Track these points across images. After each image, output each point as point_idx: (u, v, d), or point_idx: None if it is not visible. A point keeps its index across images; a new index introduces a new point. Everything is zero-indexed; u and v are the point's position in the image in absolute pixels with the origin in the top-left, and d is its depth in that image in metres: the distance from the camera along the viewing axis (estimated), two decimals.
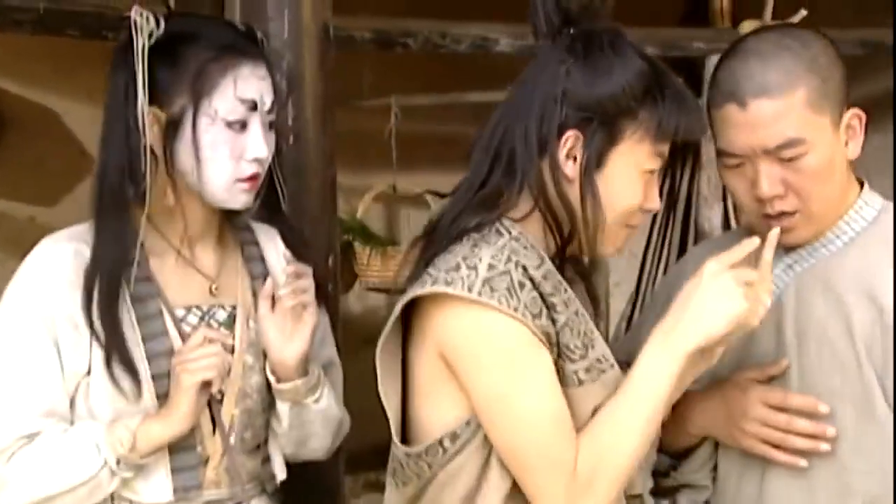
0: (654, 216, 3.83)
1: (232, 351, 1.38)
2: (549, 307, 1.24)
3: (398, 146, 2.93)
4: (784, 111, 1.32)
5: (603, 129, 1.27)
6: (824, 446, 1.35)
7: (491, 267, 1.23)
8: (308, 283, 1.40)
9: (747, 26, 2.16)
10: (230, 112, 1.31)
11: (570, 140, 1.28)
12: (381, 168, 3.03)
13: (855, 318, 1.35)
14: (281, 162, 1.44)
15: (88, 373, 1.32)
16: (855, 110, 1.39)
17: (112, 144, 1.32)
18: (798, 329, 1.39)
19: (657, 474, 1.47)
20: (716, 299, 1.22)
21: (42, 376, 1.31)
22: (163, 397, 1.33)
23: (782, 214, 1.36)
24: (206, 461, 1.38)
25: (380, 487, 2.92)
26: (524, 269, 1.24)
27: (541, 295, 1.24)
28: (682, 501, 1.47)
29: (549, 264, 1.29)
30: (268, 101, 1.35)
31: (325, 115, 1.74)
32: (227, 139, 1.32)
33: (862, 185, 1.44)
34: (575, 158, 1.28)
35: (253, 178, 1.35)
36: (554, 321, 1.24)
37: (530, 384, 1.23)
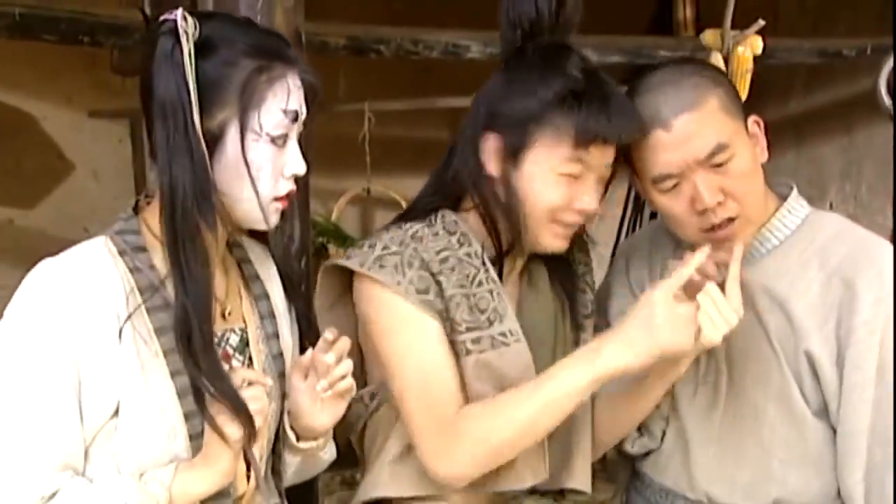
0: (622, 219, 3.91)
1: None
2: (438, 283, 1.38)
3: (372, 150, 2.98)
4: (705, 121, 1.38)
5: (515, 133, 1.38)
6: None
7: (385, 248, 1.40)
8: (348, 366, 1.27)
9: (709, 35, 2.21)
10: (276, 126, 1.20)
11: (490, 141, 1.41)
12: (356, 171, 3.08)
13: (765, 320, 1.43)
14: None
15: (115, 414, 1.17)
16: (753, 116, 1.45)
17: (177, 167, 1.16)
18: None
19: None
20: (646, 333, 1.29)
21: (60, 426, 1.15)
22: (195, 437, 1.19)
23: (726, 222, 1.40)
24: (240, 499, 1.27)
25: (354, 485, 2.96)
26: (415, 250, 1.39)
27: (431, 274, 1.38)
28: (637, 444, 1.54)
29: (464, 249, 1.42)
30: (304, 111, 1.25)
31: None
32: (272, 156, 1.21)
33: (784, 195, 1.48)
34: (498, 159, 1.40)
35: (288, 195, 1.25)
36: (442, 297, 1.38)
37: (413, 345, 1.39)
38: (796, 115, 3.41)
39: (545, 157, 1.37)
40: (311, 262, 1.86)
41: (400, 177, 3.19)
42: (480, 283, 1.41)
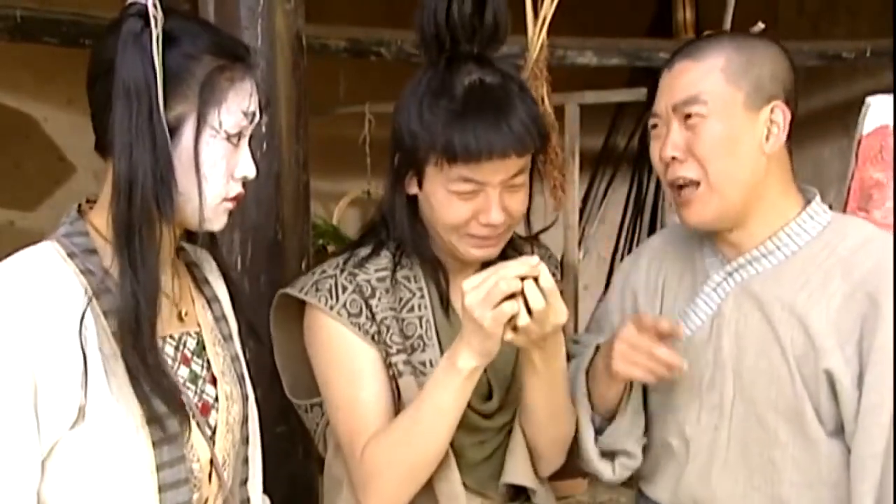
0: (622, 221, 3.93)
1: (213, 382, 1.26)
2: (369, 307, 1.41)
3: (372, 152, 2.98)
4: (698, 73, 1.36)
5: (411, 154, 1.38)
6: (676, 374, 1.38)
7: (323, 272, 1.44)
8: None
9: None
10: (235, 125, 1.19)
11: (397, 161, 1.42)
12: (356, 173, 3.08)
13: (782, 334, 1.37)
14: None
15: (75, 424, 1.12)
16: (780, 104, 1.37)
17: (138, 152, 1.12)
18: (737, 338, 1.41)
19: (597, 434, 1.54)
20: (474, 328, 1.27)
21: (23, 446, 1.10)
22: (158, 444, 1.16)
23: (685, 184, 1.38)
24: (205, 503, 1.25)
25: None
26: (351, 274, 1.42)
27: (363, 298, 1.41)
28: (617, 466, 1.52)
29: (404, 272, 1.44)
30: (258, 115, 1.24)
31: (298, 121, 1.77)
32: (226, 154, 1.19)
33: (809, 200, 1.43)
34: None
35: (237, 198, 1.23)
36: (373, 320, 1.40)
37: (340, 372, 1.41)
38: (795, 117, 3.41)
39: (437, 178, 1.36)
40: (312, 263, 1.87)
41: None
42: (412, 309, 1.43)
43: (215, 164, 1.18)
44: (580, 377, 1.51)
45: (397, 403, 1.41)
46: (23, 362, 1.09)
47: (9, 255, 1.16)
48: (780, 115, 1.38)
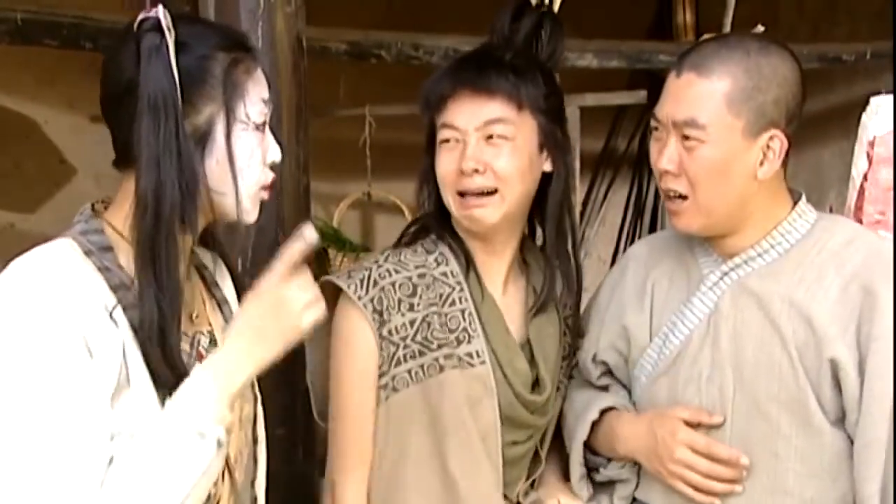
0: (623, 224, 3.93)
1: None
2: (400, 303, 1.43)
3: (373, 154, 2.98)
4: (701, 93, 1.36)
5: (427, 123, 1.52)
6: (738, 488, 1.41)
7: (362, 265, 1.48)
8: None
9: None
10: (259, 113, 1.22)
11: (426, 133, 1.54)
12: (356, 176, 3.08)
13: (783, 327, 1.39)
14: None
15: (119, 387, 1.14)
16: (778, 133, 1.38)
17: (165, 165, 1.14)
18: (735, 335, 1.43)
19: (592, 470, 1.58)
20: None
21: (95, 394, 1.11)
22: None
23: (674, 196, 1.41)
24: (217, 502, 1.26)
25: None
26: (389, 272, 1.43)
27: (397, 294, 1.43)
28: (615, 499, 1.55)
29: (441, 268, 1.46)
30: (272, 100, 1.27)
31: (298, 124, 1.78)
32: (258, 142, 1.22)
33: (797, 200, 1.46)
34: None
35: (273, 184, 1.26)
36: (396, 316, 1.42)
37: (348, 368, 1.47)
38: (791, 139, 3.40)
39: (438, 138, 1.46)
40: (312, 266, 1.87)
41: (400, 181, 3.17)
42: (453, 303, 1.45)
43: (252, 154, 1.21)
44: (578, 445, 1.54)
45: (437, 399, 1.42)
46: (79, 340, 1.09)
47: (10, 258, 1.16)
48: (778, 144, 1.39)
